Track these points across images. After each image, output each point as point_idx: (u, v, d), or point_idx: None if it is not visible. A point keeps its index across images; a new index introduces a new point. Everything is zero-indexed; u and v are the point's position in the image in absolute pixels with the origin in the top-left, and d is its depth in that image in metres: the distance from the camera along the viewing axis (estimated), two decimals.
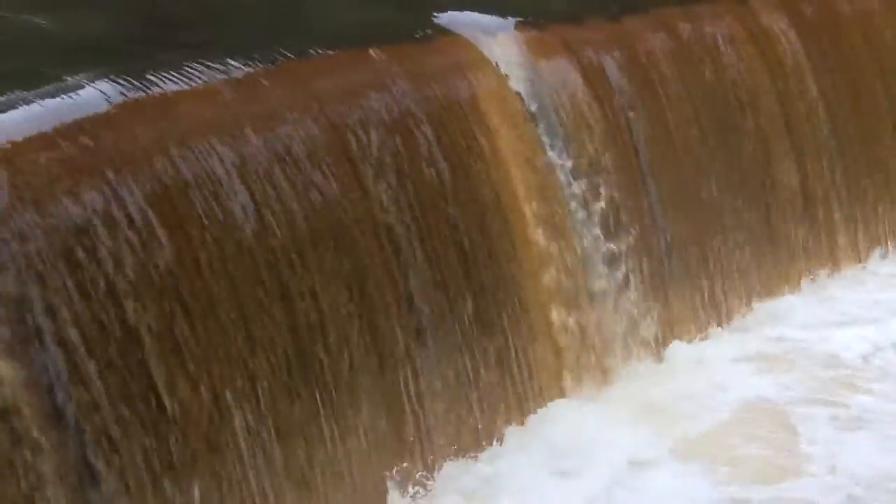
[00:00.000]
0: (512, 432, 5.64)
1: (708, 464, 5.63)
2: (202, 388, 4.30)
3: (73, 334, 3.90)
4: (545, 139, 6.15)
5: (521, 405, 5.79)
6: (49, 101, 4.27)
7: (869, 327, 7.11)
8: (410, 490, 5.07)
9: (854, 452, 5.75)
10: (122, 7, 5.84)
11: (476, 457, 5.44)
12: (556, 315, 6.02)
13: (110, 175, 4.17)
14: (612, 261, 6.35)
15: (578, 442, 5.61)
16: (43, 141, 4.08)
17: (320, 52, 5.49)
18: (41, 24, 5.30)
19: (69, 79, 4.44)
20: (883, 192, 8.49)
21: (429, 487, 5.14)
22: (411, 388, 5.19)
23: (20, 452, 3.70)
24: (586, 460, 5.51)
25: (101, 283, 4.02)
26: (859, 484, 5.49)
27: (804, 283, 7.73)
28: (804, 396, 6.32)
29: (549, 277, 6.01)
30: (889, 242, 8.51)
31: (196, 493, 4.23)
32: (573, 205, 6.20)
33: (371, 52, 5.62)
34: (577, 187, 6.23)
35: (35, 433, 3.74)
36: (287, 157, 4.89)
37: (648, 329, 6.55)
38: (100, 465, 3.92)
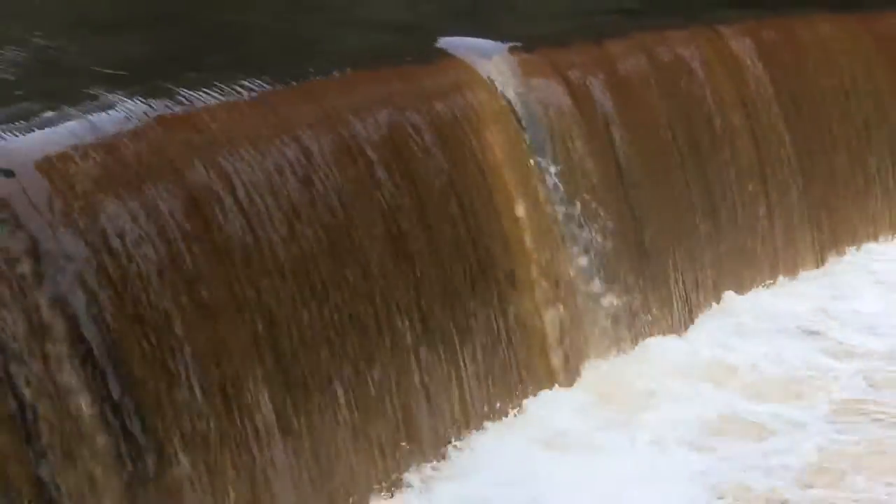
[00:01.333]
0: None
1: None
2: None
3: (114, 343, 4.05)
4: (534, 148, 6.44)
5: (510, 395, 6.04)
6: (87, 117, 4.45)
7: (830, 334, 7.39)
8: None
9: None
10: (151, 33, 6.07)
11: None
12: (542, 309, 6.29)
13: (142, 185, 4.37)
14: (593, 259, 6.60)
15: None
16: (82, 153, 4.27)
17: (334, 72, 5.69)
18: (80, 49, 5.53)
19: (105, 96, 4.64)
20: (839, 197, 8.83)
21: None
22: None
23: None
24: None
25: (137, 290, 4.17)
26: None
27: (761, 287, 8.03)
28: None
29: (535, 273, 6.27)
30: (846, 247, 8.82)
31: None
32: (557, 203, 6.48)
33: (380, 72, 5.90)
34: (561, 189, 6.50)
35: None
36: (303, 167, 5.06)
37: (625, 324, 6.81)
38: None
